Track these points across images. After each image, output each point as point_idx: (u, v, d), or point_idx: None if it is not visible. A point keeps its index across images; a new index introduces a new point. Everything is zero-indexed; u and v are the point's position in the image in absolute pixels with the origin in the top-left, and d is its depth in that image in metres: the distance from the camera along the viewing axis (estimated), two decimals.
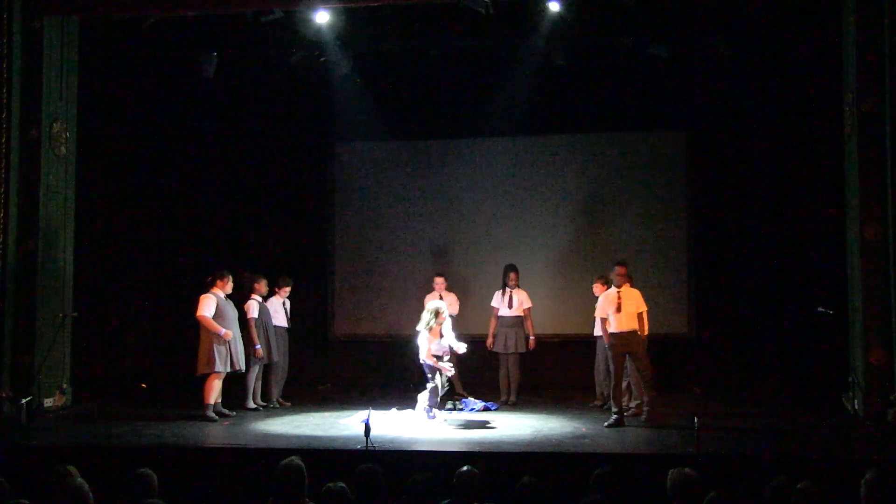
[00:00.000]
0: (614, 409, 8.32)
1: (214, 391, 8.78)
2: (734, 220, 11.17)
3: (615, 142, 11.70)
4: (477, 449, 7.13)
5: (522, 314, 10.09)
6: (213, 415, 8.70)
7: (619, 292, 8.58)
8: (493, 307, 10.21)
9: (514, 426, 8.33)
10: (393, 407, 9.39)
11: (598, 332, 9.04)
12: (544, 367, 10.72)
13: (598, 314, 8.81)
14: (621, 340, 8.49)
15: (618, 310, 8.51)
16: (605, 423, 8.25)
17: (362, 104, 11.29)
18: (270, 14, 9.62)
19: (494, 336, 10.16)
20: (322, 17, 9.84)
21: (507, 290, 10.11)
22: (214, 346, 8.75)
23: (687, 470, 4.79)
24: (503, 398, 10.00)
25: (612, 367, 8.52)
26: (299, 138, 12.03)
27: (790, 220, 10.86)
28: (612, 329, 8.53)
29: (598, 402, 9.53)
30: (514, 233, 11.73)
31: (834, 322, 8.81)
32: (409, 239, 11.97)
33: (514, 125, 11.32)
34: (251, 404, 9.42)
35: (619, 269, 8.69)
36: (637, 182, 11.55)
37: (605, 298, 8.69)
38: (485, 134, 11.68)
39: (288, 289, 9.97)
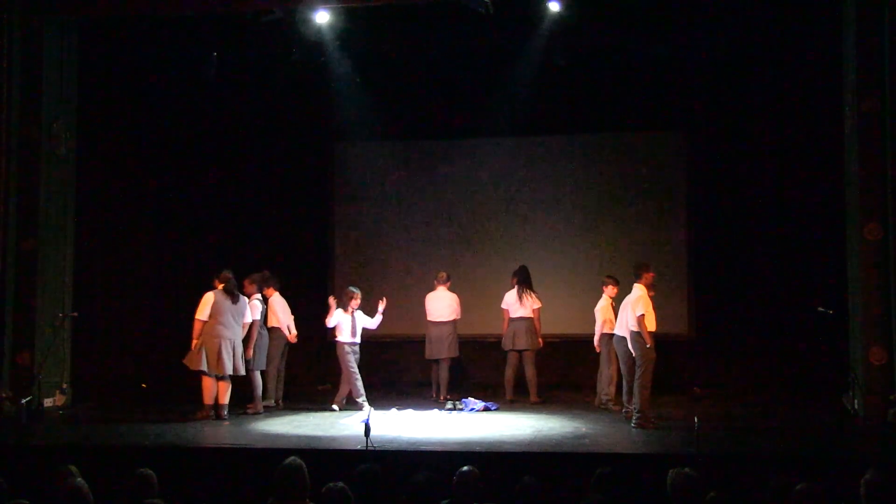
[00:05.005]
0: (639, 409, 8.22)
1: (209, 391, 8.72)
2: (734, 220, 11.17)
3: (615, 142, 11.70)
4: (477, 449, 7.12)
5: (531, 314, 10.09)
6: (210, 413, 8.67)
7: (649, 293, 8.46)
8: (503, 308, 10.21)
9: (514, 426, 8.33)
10: (393, 407, 9.40)
11: (620, 331, 8.62)
12: (544, 368, 10.68)
13: (637, 311, 8.27)
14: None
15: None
16: (633, 423, 8.18)
17: (362, 104, 11.26)
18: (270, 14, 9.62)
19: (505, 335, 10.21)
20: (322, 17, 9.86)
21: (520, 290, 10.10)
22: (203, 345, 8.69)
23: (687, 470, 4.79)
24: (508, 397, 10.02)
25: (644, 367, 8.25)
26: (299, 138, 12.02)
27: (790, 219, 10.86)
28: (651, 328, 8.27)
29: (608, 403, 9.42)
30: (513, 232, 11.73)
31: (834, 322, 8.81)
32: (408, 239, 11.97)
33: (514, 125, 11.31)
34: (259, 406, 9.27)
35: (651, 272, 8.58)
36: (637, 182, 11.55)
37: (642, 299, 8.34)
38: (485, 134, 11.68)
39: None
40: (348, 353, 9.44)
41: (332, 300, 9.61)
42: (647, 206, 11.50)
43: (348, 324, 9.47)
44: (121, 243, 11.20)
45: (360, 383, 9.41)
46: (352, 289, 9.65)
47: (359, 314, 9.57)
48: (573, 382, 10.83)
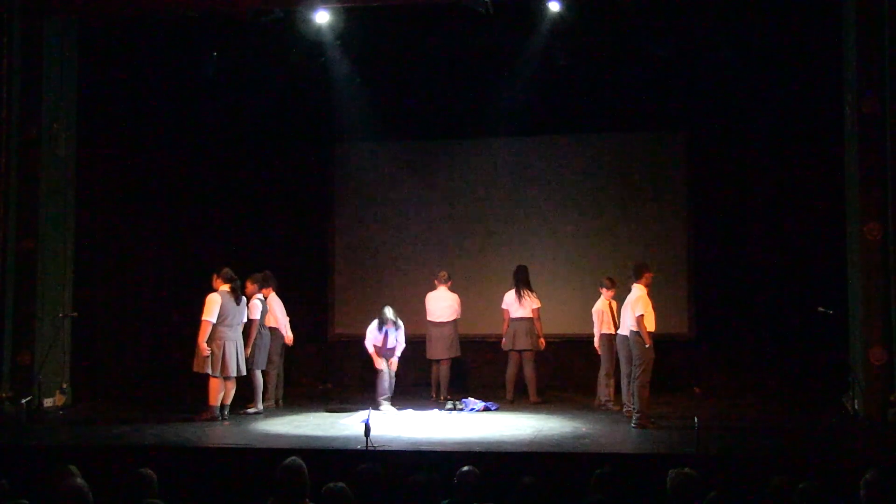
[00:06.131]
0: (639, 409, 8.21)
1: (217, 393, 8.67)
2: (734, 220, 11.17)
3: (615, 142, 11.70)
4: (477, 449, 7.12)
5: (531, 314, 10.09)
6: (216, 414, 8.64)
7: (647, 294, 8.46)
8: (503, 308, 10.21)
9: (514, 426, 8.33)
10: (393, 407, 9.41)
11: (623, 330, 8.63)
12: (544, 367, 10.69)
13: (636, 311, 8.28)
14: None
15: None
16: (633, 423, 8.18)
17: (362, 104, 11.27)
18: (270, 14, 9.62)
19: (505, 335, 10.22)
20: (322, 17, 9.86)
21: (519, 290, 10.11)
22: (211, 348, 8.63)
23: (687, 470, 4.79)
24: (508, 397, 10.02)
25: (643, 366, 8.25)
26: (299, 138, 12.02)
27: (790, 219, 10.86)
28: (650, 329, 8.27)
29: (608, 404, 9.43)
30: (514, 233, 11.73)
31: (834, 322, 8.81)
32: (408, 239, 11.97)
33: (514, 125, 11.31)
34: (260, 406, 9.31)
35: (650, 273, 8.59)
36: (637, 182, 11.55)
37: (641, 299, 8.36)
38: (485, 134, 11.68)
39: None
40: (374, 355, 9.65)
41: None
42: (647, 206, 11.50)
43: (379, 340, 9.61)
44: (121, 243, 11.18)
45: (384, 384, 9.53)
46: (386, 312, 9.62)
47: (392, 333, 9.61)
48: (573, 382, 10.83)
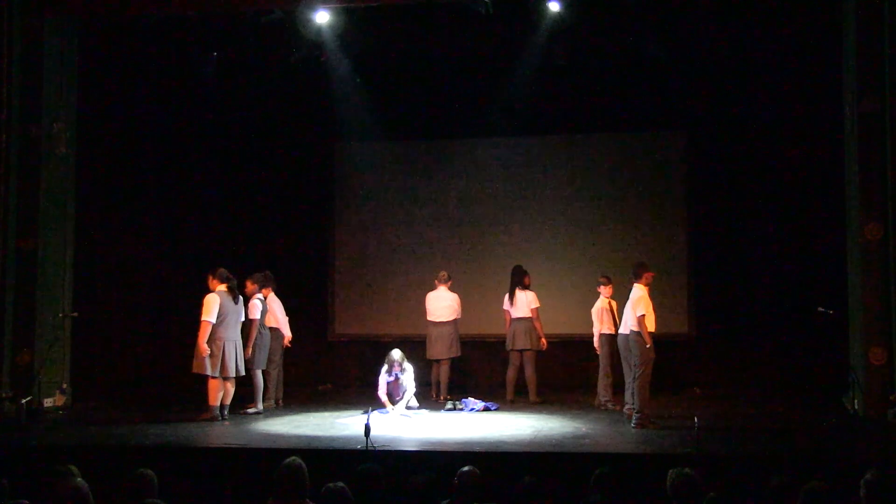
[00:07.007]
0: (639, 409, 8.21)
1: (217, 393, 8.65)
2: (734, 220, 11.17)
3: (615, 142, 11.70)
4: (477, 449, 7.12)
5: (530, 314, 10.09)
6: (216, 414, 8.63)
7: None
8: (504, 310, 10.23)
9: (514, 426, 8.33)
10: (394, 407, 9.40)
11: (624, 330, 8.58)
12: (544, 368, 10.68)
13: (637, 311, 8.24)
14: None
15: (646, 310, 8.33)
16: (633, 423, 8.16)
17: (362, 104, 11.29)
18: (270, 14, 9.63)
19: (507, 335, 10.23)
20: (322, 17, 9.86)
21: (514, 291, 10.12)
22: (210, 348, 8.59)
23: (687, 470, 4.78)
24: (508, 397, 10.03)
25: (643, 366, 8.22)
26: (299, 138, 12.02)
27: (790, 219, 10.86)
28: (651, 329, 8.24)
29: (608, 404, 9.43)
30: (514, 233, 11.74)
31: (834, 322, 8.81)
32: (408, 239, 11.97)
33: (514, 125, 11.33)
34: (260, 406, 9.29)
35: (650, 272, 8.55)
36: (637, 182, 11.56)
37: (643, 299, 8.33)
38: (485, 134, 11.69)
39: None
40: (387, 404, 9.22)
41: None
42: (647, 206, 11.50)
43: (391, 386, 9.26)
44: (121, 243, 11.20)
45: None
46: (393, 354, 9.26)
47: (401, 377, 9.21)
48: (573, 382, 10.83)
